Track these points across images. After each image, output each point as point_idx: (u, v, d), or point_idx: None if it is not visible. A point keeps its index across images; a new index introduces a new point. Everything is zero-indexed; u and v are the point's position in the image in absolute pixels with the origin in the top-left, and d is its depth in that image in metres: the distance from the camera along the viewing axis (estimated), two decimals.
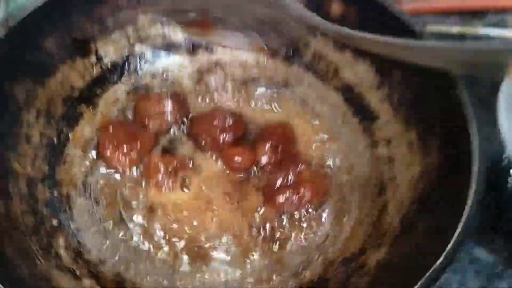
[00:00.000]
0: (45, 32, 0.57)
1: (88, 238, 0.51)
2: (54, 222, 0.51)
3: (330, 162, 0.60)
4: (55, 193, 0.54)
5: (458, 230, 0.42)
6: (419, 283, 0.39)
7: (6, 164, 0.51)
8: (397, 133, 0.57)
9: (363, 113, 0.61)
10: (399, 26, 0.53)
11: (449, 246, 0.40)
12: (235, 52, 0.67)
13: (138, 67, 0.65)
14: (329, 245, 0.53)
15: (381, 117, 0.59)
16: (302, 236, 0.54)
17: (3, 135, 0.52)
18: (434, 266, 0.40)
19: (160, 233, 0.52)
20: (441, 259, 0.40)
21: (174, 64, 0.66)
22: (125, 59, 0.64)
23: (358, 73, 0.61)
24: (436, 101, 0.53)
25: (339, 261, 0.51)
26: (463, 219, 0.42)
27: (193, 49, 0.67)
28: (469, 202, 0.43)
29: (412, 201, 0.51)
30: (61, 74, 0.59)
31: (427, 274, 0.39)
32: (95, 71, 0.62)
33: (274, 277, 0.51)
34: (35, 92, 0.56)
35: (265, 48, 0.62)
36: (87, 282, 0.47)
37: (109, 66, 0.63)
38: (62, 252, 0.49)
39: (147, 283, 0.49)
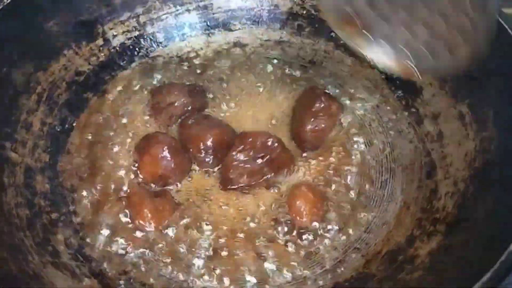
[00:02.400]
0: (47, 13, 0.52)
1: (93, 234, 0.44)
2: (54, 215, 0.45)
3: (362, 146, 0.51)
4: (56, 185, 0.48)
5: None
6: (482, 280, 0.31)
7: (1, 153, 0.45)
8: (444, 106, 0.49)
9: (404, 88, 0.53)
10: None
11: None
12: (255, 30, 0.61)
13: (150, 50, 0.59)
14: (369, 237, 0.45)
15: (424, 90, 0.51)
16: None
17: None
18: (502, 258, 0.32)
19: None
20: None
21: (189, 46, 0.60)
22: (135, 41, 0.59)
23: None
24: (490, 67, 0.45)
25: (382, 255, 0.43)
26: None
27: (209, 29, 0.61)
28: None
29: (468, 181, 0.43)
30: (65, 58, 0.53)
31: (493, 268, 0.31)
32: (103, 55, 0.57)
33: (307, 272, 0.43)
34: (36, 76, 0.51)
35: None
36: (87, 281, 0.41)
37: (118, 49, 0.58)
38: (61, 248, 0.43)
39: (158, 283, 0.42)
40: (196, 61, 0.59)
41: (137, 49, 0.59)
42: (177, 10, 0.60)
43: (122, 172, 0.49)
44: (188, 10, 0.60)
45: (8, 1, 0.48)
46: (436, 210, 0.43)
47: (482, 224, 0.38)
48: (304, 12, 0.60)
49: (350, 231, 0.45)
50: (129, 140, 0.51)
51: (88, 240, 0.45)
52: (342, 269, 0.43)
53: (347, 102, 0.54)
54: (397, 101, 0.53)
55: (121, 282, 0.42)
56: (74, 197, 0.47)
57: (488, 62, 0.44)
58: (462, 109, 0.47)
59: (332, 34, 0.58)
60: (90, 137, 0.52)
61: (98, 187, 0.48)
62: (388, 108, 0.53)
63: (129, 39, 0.58)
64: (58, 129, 0.51)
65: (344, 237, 0.45)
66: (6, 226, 0.41)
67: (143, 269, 0.43)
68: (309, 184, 0.47)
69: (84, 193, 0.47)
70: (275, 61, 0.59)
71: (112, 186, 0.48)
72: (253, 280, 0.43)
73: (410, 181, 0.48)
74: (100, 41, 0.56)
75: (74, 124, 0.52)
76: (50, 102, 0.52)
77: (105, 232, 0.45)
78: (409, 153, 0.49)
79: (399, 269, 0.40)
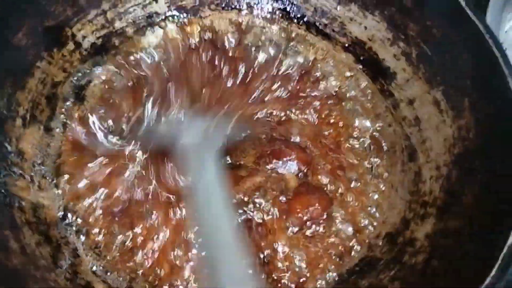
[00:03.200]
0: (13, 25, 0.48)
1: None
2: (72, 245, 0.46)
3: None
4: (64, 209, 0.48)
5: None
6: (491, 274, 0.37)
7: (6, 190, 0.44)
8: (419, 92, 0.54)
9: (377, 72, 0.57)
10: None
11: None
12: (225, 14, 0.61)
13: (122, 46, 0.57)
14: (367, 221, 0.50)
15: (398, 75, 0.55)
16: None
17: None
18: (504, 251, 0.38)
19: None
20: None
21: (161, 38, 0.59)
22: (105, 39, 0.56)
23: (368, 28, 0.57)
24: (463, 56, 0.49)
25: (382, 237, 0.49)
26: None
27: (177, 16, 0.59)
28: None
29: (450, 166, 0.48)
30: (39, 70, 0.51)
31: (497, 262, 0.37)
32: (76, 59, 0.54)
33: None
34: (16, 98, 0.48)
35: None
36: None
37: (89, 51, 0.55)
38: (91, 277, 0.44)
39: None
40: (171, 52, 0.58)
41: (108, 47, 0.56)
42: (144, 0, 0.57)
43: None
44: (155, 0, 0.58)
45: None
46: (423, 194, 0.49)
47: (472, 209, 0.45)
48: None
49: (350, 216, 0.51)
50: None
51: (108, 257, 0.46)
52: (352, 254, 0.49)
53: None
54: (372, 84, 0.57)
55: None
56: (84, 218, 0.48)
57: (461, 54, 0.49)
58: (437, 95, 0.52)
59: (305, 18, 0.59)
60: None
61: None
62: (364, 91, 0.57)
63: (98, 38, 0.56)
64: (49, 150, 0.50)
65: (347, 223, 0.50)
66: (37, 271, 0.41)
67: None
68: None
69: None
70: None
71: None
72: None
73: (394, 163, 0.53)
74: (71, 45, 0.54)
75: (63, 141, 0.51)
76: (34, 122, 0.50)
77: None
78: (389, 136, 0.54)
79: (401, 251, 0.46)
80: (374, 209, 0.51)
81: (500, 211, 0.40)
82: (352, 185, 0.52)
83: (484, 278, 0.36)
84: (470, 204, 0.45)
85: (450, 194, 0.47)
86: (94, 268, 0.45)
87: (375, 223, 0.50)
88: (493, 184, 0.44)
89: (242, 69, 0.57)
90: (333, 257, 0.48)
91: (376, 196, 0.52)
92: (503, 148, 0.43)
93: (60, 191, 0.49)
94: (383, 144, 0.55)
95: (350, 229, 0.50)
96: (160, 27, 0.59)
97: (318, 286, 0.47)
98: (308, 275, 0.48)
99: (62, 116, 0.52)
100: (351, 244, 0.49)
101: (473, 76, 0.48)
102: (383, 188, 0.52)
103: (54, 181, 0.49)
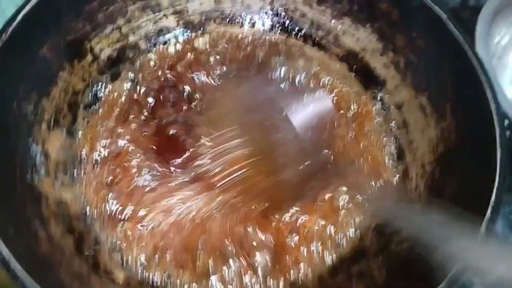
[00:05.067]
0: (40, 39, 0.53)
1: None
2: (92, 236, 0.51)
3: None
4: (83, 202, 0.53)
5: (494, 192, 0.44)
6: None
7: (33, 186, 0.49)
8: (407, 97, 0.59)
9: (370, 80, 0.62)
10: None
11: (488, 214, 0.43)
12: (229, 28, 0.66)
13: (135, 59, 0.63)
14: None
15: (388, 82, 0.60)
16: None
17: (22, 155, 0.50)
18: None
19: None
20: (482, 226, 0.43)
21: (171, 50, 0.64)
22: (120, 52, 0.62)
23: (360, 40, 0.62)
24: (445, 65, 0.54)
25: (372, 228, 0.53)
26: (497, 180, 0.45)
27: (186, 30, 0.65)
28: (498, 165, 0.46)
29: (434, 164, 0.53)
30: (62, 80, 0.56)
31: None
32: (94, 70, 0.60)
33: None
34: (42, 104, 0.54)
35: None
36: None
37: (106, 62, 0.61)
38: (108, 264, 0.49)
39: None
40: (179, 65, 0.64)
41: (123, 59, 0.62)
42: (155, 16, 0.63)
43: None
44: (165, 15, 0.64)
45: (6, 38, 0.50)
46: (410, 190, 0.54)
47: (451, 200, 0.49)
48: (274, 10, 0.65)
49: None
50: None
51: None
52: (343, 243, 0.53)
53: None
54: (364, 91, 0.62)
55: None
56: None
57: (443, 63, 0.55)
58: (422, 101, 0.57)
59: (303, 30, 0.65)
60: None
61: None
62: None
63: (114, 50, 0.61)
64: (71, 151, 0.55)
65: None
66: (63, 257, 0.46)
67: None
68: None
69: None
70: None
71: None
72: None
73: (385, 163, 0.58)
74: (89, 57, 0.59)
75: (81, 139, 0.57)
76: (58, 126, 0.55)
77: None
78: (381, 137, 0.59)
79: (389, 241, 0.51)
80: (366, 204, 0.56)
81: (472, 208, 0.45)
82: None
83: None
84: (448, 199, 0.50)
85: (433, 189, 0.52)
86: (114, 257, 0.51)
87: (366, 215, 0.55)
88: (468, 181, 0.49)
89: None
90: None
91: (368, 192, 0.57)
92: (478, 148, 0.49)
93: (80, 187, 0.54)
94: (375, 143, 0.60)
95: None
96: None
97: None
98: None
99: (82, 121, 0.57)
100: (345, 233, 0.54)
101: (453, 83, 0.54)
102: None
103: (75, 178, 0.54)
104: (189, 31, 0.65)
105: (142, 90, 0.61)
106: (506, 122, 0.53)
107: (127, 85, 0.61)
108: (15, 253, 0.40)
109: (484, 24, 0.67)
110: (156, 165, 0.55)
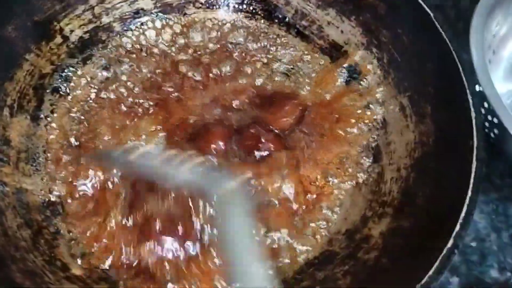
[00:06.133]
0: (4, 18, 0.51)
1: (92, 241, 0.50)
2: (52, 229, 0.49)
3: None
4: (45, 194, 0.51)
5: (464, 207, 0.43)
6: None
7: None
8: (388, 96, 0.56)
9: (351, 74, 0.59)
10: None
11: (456, 229, 0.42)
12: (209, 13, 0.63)
13: (108, 41, 0.60)
14: (331, 216, 0.53)
15: (370, 78, 0.58)
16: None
17: None
18: (444, 252, 0.41)
19: None
20: (449, 243, 0.41)
21: (147, 34, 0.61)
22: (92, 34, 0.59)
23: (344, 32, 0.59)
24: (428, 65, 0.52)
25: (342, 233, 0.52)
26: (469, 194, 0.43)
27: (163, 13, 0.62)
28: (472, 177, 0.44)
29: (409, 169, 0.51)
30: (28, 63, 0.54)
31: (438, 259, 0.41)
32: (63, 52, 0.57)
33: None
34: (4, 88, 0.51)
35: None
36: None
37: (76, 44, 0.58)
38: (68, 260, 0.48)
39: None
40: (155, 50, 0.61)
41: (95, 41, 0.59)
42: None
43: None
44: None
45: None
46: (383, 194, 0.52)
47: (422, 210, 0.48)
48: None
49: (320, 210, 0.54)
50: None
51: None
52: (309, 247, 0.52)
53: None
54: (346, 86, 0.60)
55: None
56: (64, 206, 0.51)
57: (426, 63, 0.52)
58: (403, 101, 0.54)
59: (286, 19, 0.62)
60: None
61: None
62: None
63: (86, 32, 0.59)
64: (34, 139, 0.53)
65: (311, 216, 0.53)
66: (17, 252, 0.45)
67: None
68: None
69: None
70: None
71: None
72: None
73: (361, 163, 0.56)
74: (58, 39, 0.56)
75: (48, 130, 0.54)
76: (21, 111, 0.53)
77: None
78: (359, 137, 0.57)
79: (357, 247, 0.49)
80: (338, 207, 0.54)
81: (443, 215, 0.44)
82: None
83: (422, 279, 0.40)
84: (420, 206, 0.48)
85: (406, 195, 0.50)
86: (72, 251, 0.49)
87: (337, 218, 0.53)
88: (441, 190, 0.47)
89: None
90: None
91: (342, 193, 0.55)
92: (453, 153, 0.47)
93: (44, 177, 0.52)
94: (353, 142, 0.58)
95: (313, 224, 0.53)
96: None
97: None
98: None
99: (48, 106, 0.55)
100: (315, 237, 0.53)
101: (435, 84, 0.51)
102: (348, 186, 0.55)
103: (38, 168, 0.52)
104: (166, 14, 0.62)
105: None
106: (496, 120, 0.51)
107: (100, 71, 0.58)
108: None
109: (481, 15, 0.65)
110: None
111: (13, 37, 0.52)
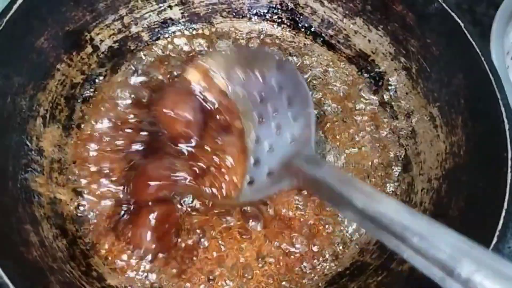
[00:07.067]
0: (36, 30, 0.51)
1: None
2: (87, 239, 0.50)
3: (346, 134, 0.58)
4: (78, 205, 0.51)
5: (501, 220, 0.43)
6: None
7: (26, 186, 0.48)
8: (417, 106, 0.56)
9: (379, 84, 0.59)
10: None
11: (494, 241, 0.42)
12: (236, 23, 0.63)
13: (137, 50, 0.60)
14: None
15: (398, 88, 0.58)
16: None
17: (15, 153, 0.48)
18: None
19: None
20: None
21: (174, 42, 0.62)
22: (122, 43, 0.59)
23: (371, 42, 0.60)
24: (459, 76, 0.52)
25: (373, 243, 0.52)
26: (505, 206, 0.43)
27: (191, 23, 0.62)
28: (508, 188, 0.44)
29: (440, 180, 0.52)
30: (59, 73, 0.54)
31: None
32: (94, 62, 0.57)
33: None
34: (37, 98, 0.52)
35: None
36: None
37: (106, 54, 0.58)
38: (103, 269, 0.48)
39: None
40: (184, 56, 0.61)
41: (124, 51, 0.59)
42: (159, 7, 0.60)
43: None
44: (170, 6, 0.61)
45: (0, 29, 0.48)
46: (415, 204, 0.52)
47: (456, 222, 0.48)
48: (284, 5, 0.62)
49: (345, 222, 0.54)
50: None
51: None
52: (340, 257, 0.52)
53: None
54: (373, 95, 0.60)
55: None
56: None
57: (457, 74, 0.52)
58: (433, 111, 0.55)
59: (312, 28, 0.62)
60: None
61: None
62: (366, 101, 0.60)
63: (115, 42, 0.59)
64: (67, 148, 0.54)
65: (340, 228, 0.54)
66: (54, 263, 0.45)
67: None
68: None
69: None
70: None
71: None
72: None
73: (390, 173, 0.56)
74: (89, 49, 0.57)
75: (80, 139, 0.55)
76: (54, 121, 0.53)
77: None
78: (387, 147, 0.57)
79: (390, 258, 0.50)
80: None
81: (479, 227, 0.44)
82: None
83: None
84: (454, 218, 0.48)
85: (438, 207, 0.50)
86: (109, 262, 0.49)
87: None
88: (475, 202, 0.47)
89: None
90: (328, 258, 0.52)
91: None
92: (486, 164, 0.47)
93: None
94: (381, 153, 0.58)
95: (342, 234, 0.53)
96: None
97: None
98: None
99: (80, 116, 0.55)
100: (344, 248, 0.53)
101: (466, 95, 0.51)
102: None
103: (70, 177, 0.53)
104: (194, 24, 0.62)
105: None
106: None
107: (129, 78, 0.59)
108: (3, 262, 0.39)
109: (501, 20, 0.65)
110: None
111: (45, 48, 0.52)
